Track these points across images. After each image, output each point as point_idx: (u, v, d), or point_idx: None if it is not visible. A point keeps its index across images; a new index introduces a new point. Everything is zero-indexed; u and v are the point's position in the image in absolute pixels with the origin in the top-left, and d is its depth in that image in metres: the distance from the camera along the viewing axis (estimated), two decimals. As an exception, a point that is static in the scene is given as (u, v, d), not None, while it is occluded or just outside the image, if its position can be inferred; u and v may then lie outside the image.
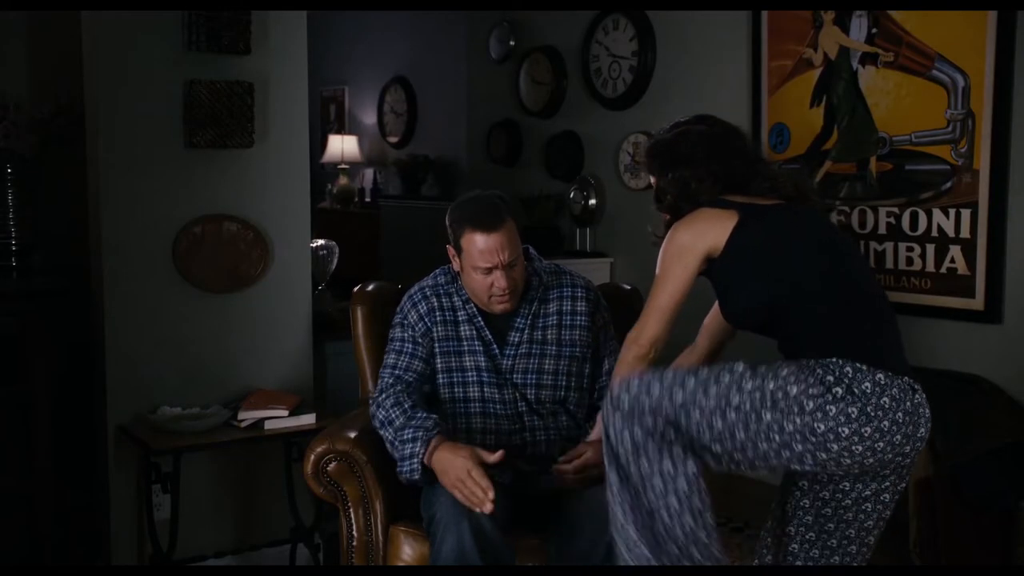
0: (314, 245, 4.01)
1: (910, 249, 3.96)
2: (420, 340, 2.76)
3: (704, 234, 2.34)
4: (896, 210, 4.00)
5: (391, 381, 2.73)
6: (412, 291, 2.83)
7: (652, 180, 2.55)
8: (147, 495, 3.47)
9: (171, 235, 3.55)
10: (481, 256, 2.58)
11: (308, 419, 3.45)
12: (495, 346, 2.71)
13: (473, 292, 2.70)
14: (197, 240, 3.58)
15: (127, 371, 3.53)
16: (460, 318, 2.74)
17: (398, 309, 2.84)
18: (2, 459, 3.44)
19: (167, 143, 3.53)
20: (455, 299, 2.76)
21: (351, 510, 2.74)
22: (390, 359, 2.79)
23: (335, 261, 4.20)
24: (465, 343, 2.73)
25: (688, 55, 4.87)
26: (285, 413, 3.44)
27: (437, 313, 2.75)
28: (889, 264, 4.03)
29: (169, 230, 3.55)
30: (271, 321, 3.76)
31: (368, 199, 8.16)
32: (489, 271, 2.60)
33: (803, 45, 4.31)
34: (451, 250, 2.71)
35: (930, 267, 3.90)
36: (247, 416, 3.43)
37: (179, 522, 3.36)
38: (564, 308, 2.77)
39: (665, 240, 2.42)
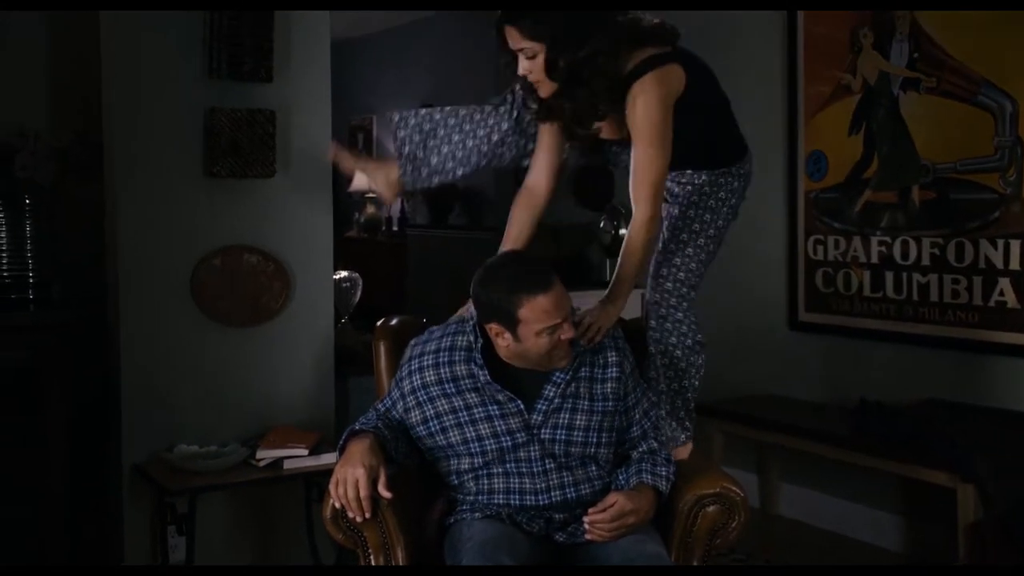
0: (337, 277, 3.93)
1: (956, 281, 3.81)
2: (401, 413, 2.56)
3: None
4: (940, 240, 3.85)
5: (372, 415, 2.60)
6: (416, 353, 2.58)
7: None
8: (162, 536, 3.36)
9: (189, 267, 3.49)
10: (548, 316, 2.36)
11: (329, 458, 3.32)
12: (518, 402, 2.48)
13: (531, 358, 2.45)
14: (216, 272, 3.51)
15: (144, 407, 3.47)
16: (465, 387, 2.49)
17: (402, 362, 2.63)
18: (17, 494, 3.37)
19: (186, 172, 3.47)
20: (461, 367, 2.50)
21: (372, 557, 2.60)
22: (380, 405, 2.63)
23: (358, 293, 4.12)
24: (476, 410, 2.49)
25: (720, 80, 4.72)
26: (305, 452, 3.34)
27: (434, 387, 2.51)
28: (934, 297, 3.88)
29: (187, 261, 3.49)
30: (292, 355, 3.68)
31: (395, 228, 8.11)
32: (556, 328, 2.39)
33: (841, 70, 4.19)
34: (495, 327, 2.43)
35: (977, 300, 3.74)
36: (265, 455, 3.33)
37: (195, 564, 3.25)
38: (596, 360, 2.58)
39: (654, 99, 2.57)
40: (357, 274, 4.14)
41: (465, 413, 2.49)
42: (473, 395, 2.49)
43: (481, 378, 2.47)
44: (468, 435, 2.49)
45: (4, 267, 3.53)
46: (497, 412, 2.48)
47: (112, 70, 3.47)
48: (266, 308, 3.60)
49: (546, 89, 2.61)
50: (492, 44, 6.62)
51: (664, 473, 2.56)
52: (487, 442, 2.48)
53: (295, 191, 3.64)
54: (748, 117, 4.58)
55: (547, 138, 2.81)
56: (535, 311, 2.36)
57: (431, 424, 2.52)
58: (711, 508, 2.60)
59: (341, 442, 2.52)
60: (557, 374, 2.50)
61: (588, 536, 2.44)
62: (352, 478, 2.37)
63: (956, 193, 3.80)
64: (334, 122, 3.78)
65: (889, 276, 4.05)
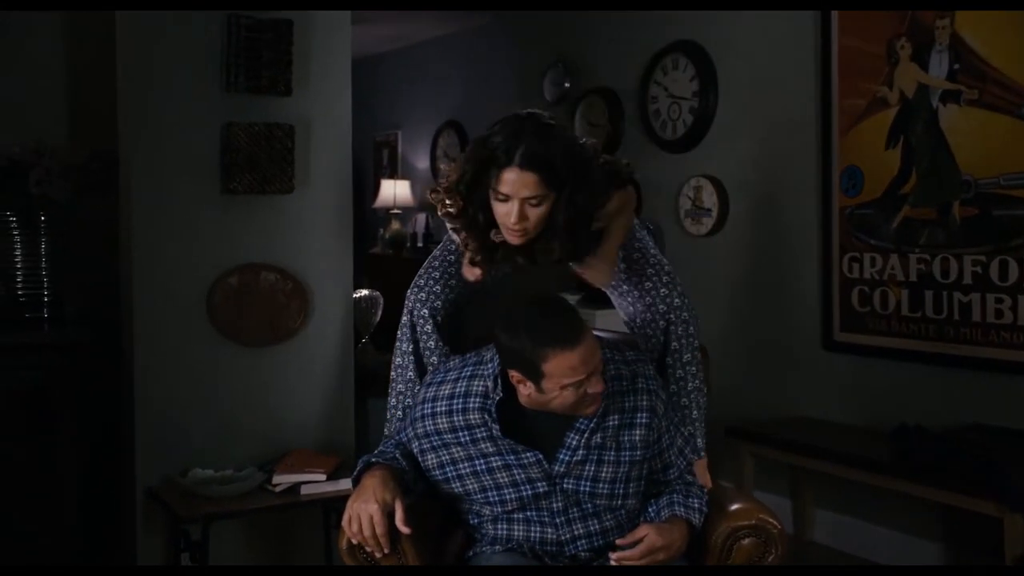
0: (357, 295, 3.84)
1: (999, 300, 3.67)
2: (416, 453, 2.42)
3: None
4: (983, 258, 3.71)
5: (391, 443, 2.49)
6: (430, 396, 2.40)
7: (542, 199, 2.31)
8: (176, 563, 3.27)
9: (206, 285, 3.43)
10: (575, 372, 2.18)
11: (348, 483, 3.21)
12: (536, 453, 2.32)
13: (554, 408, 2.29)
14: (233, 291, 3.45)
15: (158, 429, 3.40)
16: (481, 436, 2.32)
17: (416, 400, 2.47)
18: (28, 517, 3.30)
19: (203, 188, 3.41)
20: (475, 416, 2.34)
21: (390, 588, 2.49)
22: (399, 436, 2.49)
23: (379, 312, 4.03)
24: (493, 459, 2.32)
25: (752, 94, 4.66)
26: (323, 477, 3.25)
27: (447, 435, 2.35)
28: (976, 317, 3.73)
29: (204, 280, 3.43)
30: (311, 377, 3.61)
31: (420, 244, 8.04)
32: (582, 383, 2.20)
33: (877, 83, 4.07)
34: (516, 376, 2.26)
35: (1022, 320, 3.59)
36: (282, 480, 3.25)
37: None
38: (626, 405, 2.39)
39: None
40: (378, 292, 4.05)
41: (482, 461, 2.34)
42: (489, 444, 2.33)
43: (495, 431, 2.32)
44: (485, 483, 2.35)
45: (18, 285, 3.49)
46: (515, 461, 2.32)
47: (127, 84, 3.41)
48: (284, 327, 3.53)
49: (527, 237, 2.36)
50: (518, 60, 6.57)
51: (697, 505, 2.42)
52: (506, 491, 2.34)
53: (314, 207, 3.58)
54: (780, 132, 4.53)
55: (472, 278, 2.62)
56: (561, 367, 2.17)
57: (447, 470, 2.38)
58: (746, 541, 2.47)
59: (355, 474, 2.41)
60: (581, 420, 2.32)
61: (614, 562, 2.31)
62: (366, 515, 2.26)
63: (999, 209, 3.67)
64: (359, 138, 3.70)
65: (929, 295, 3.91)
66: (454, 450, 2.35)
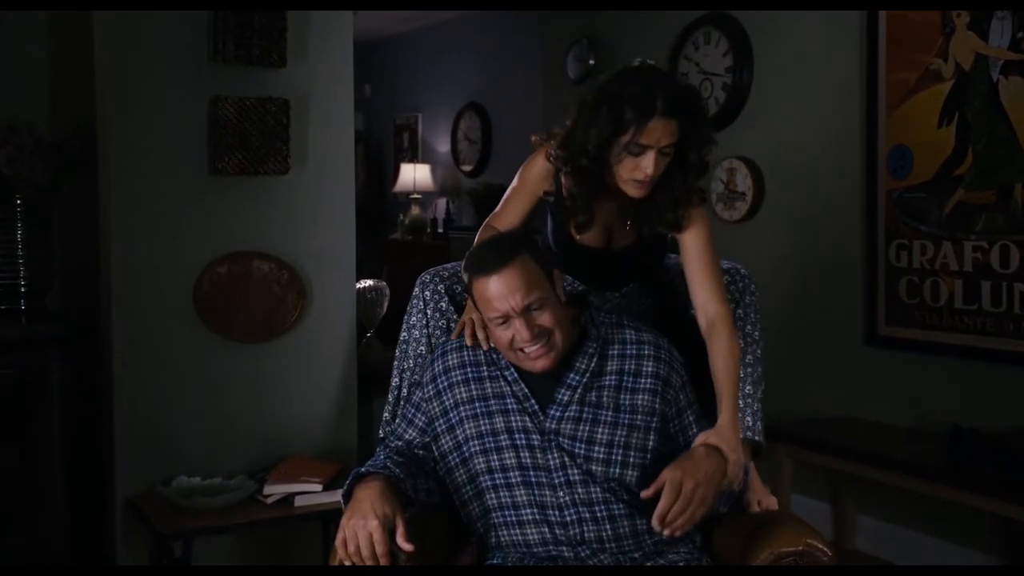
0: (361, 286, 3.65)
1: (1067, 293, 3.38)
2: (422, 405, 2.38)
3: None
4: (1048, 246, 3.43)
5: (381, 453, 2.37)
6: (442, 342, 2.44)
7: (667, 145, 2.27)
8: (160, 582, 3.07)
9: (192, 276, 3.29)
10: (490, 304, 2.16)
11: (347, 493, 3.00)
12: (533, 401, 2.28)
13: (502, 353, 2.32)
14: (222, 282, 3.32)
15: (140, 433, 3.25)
16: (487, 373, 2.32)
17: (430, 355, 2.45)
18: (7, 526, 3.16)
19: (188, 169, 3.27)
20: (482, 353, 2.36)
21: (389, 614, 2.26)
22: (392, 438, 2.42)
23: (386, 304, 3.82)
24: (494, 401, 2.29)
25: (790, 69, 4.44)
26: (319, 487, 3.07)
27: (457, 372, 2.33)
28: (1040, 311, 3.45)
29: (190, 270, 3.29)
30: (309, 376, 3.47)
31: (441, 229, 7.98)
32: (505, 320, 2.16)
33: (930, 55, 3.80)
34: None
35: (1093, 315, 3.31)
36: (274, 490, 3.07)
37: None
38: (626, 367, 2.30)
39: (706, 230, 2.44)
40: (384, 283, 3.86)
41: (482, 404, 2.31)
42: (494, 383, 2.31)
43: (501, 363, 2.30)
44: (483, 427, 2.28)
45: (-7, 275, 3.35)
46: (515, 407, 2.28)
47: (106, 54, 3.24)
48: (280, 322, 3.40)
49: (648, 188, 2.34)
50: (540, 37, 6.33)
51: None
52: (502, 437, 2.26)
53: (313, 190, 3.44)
54: (821, 109, 4.26)
55: (531, 201, 2.55)
56: (480, 294, 2.17)
57: (451, 415, 2.32)
58: (792, 570, 2.21)
59: (346, 487, 2.21)
60: (571, 376, 2.26)
61: (667, 533, 2.09)
62: (365, 532, 2.05)
63: (1068, 192, 3.40)
64: (379, 121, 3.50)
65: (986, 286, 3.64)
66: (458, 391, 2.32)
